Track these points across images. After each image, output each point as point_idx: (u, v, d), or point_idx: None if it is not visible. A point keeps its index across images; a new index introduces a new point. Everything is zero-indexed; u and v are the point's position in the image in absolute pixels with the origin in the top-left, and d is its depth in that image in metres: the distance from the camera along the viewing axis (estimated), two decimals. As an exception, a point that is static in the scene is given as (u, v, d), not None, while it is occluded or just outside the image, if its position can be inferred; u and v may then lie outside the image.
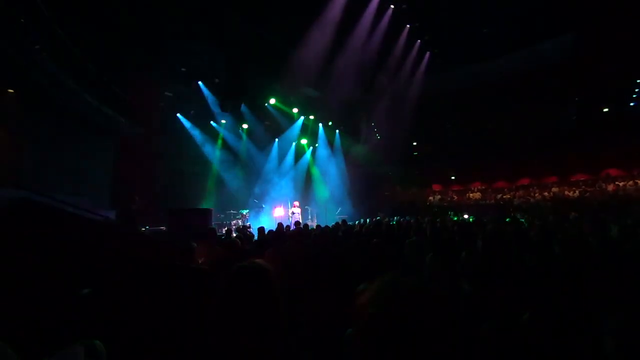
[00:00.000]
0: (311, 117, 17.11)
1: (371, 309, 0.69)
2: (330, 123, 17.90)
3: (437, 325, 0.66)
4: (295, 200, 15.20)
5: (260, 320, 1.26)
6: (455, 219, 6.71)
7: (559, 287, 2.93)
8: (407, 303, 0.67)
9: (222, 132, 15.28)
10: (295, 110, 16.00)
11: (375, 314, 0.68)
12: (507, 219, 7.43)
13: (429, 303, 0.69)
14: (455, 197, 20.83)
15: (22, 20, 6.61)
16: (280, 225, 7.74)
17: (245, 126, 15.90)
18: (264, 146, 16.91)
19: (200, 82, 12.62)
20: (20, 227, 2.53)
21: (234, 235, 7.94)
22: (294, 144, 17.99)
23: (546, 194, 17.73)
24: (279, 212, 15.70)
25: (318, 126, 17.87)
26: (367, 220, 11.40)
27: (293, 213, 14.37)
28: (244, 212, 13.62)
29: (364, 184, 18.97)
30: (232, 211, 13.62)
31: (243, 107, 14.09)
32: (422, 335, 0.64)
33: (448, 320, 0.68)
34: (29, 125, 8.29)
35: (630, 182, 15.47)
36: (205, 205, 12.95)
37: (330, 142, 18.74)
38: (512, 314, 1.93)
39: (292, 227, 11.21)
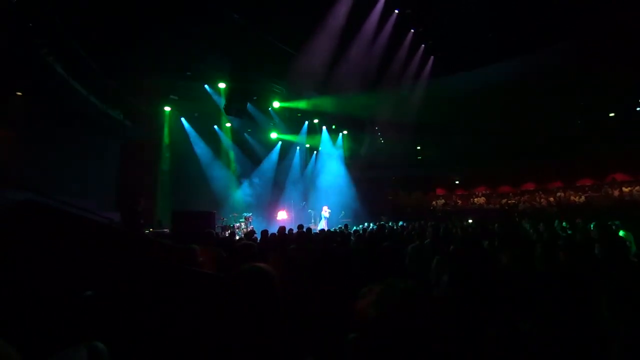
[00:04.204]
0: (315, 120, 17.14)
1: (371, 313, 0.69)
2: (334, 127, 17.91)
3: (436, 330, 0.65)
4: (324, 205, 15.63)
5: (262, 324, 1.26)
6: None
7: (564, 294, 2.90)
8: (406, 307, 0.67)
9: (227, 135, 15.35)
10: (299, 114, 16.05)
11: (376, 318, 0.67)
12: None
13: (428, 307, 0.68)
14: (459, 202, 20.73)
15: (30, 24, 6.71)
16: (282, 228, 7.73)
17: (249, 130, 15.99)
18: (268, 150, 16.96)
19: (206, 86, 12.70)
20: (25, 228, 2.55)
21: (237, 238, 7.96)
22: (297, 147, 18.04)
23: (551, 199, 17.60)
24: (282, 216, 15.74)
25: (322, 129, 17.90)
26: (371, 224, 11.39)
27: (324, 217, 15.10)
28: (247, 215, 13.65)
29: (368, 187, 18.94)
30: (234, 214, 13.66)
31: (248, 111, 14.16)
32: (421, 339, 0.63)
33: (447, 325, 0.67)
34: (36, 127, 8.38)
35: (637, 188, 15.32)
36: (208, 208, 12.99)
37: (334, 146, 18.76)
38: (514, 321, 1.92)
39: (325, 228, 11.38)
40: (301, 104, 14.83)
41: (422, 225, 9.72)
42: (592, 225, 5.71)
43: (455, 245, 3.64)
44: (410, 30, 12.85)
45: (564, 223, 6.80)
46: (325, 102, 14.75)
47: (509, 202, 18.64)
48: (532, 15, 11.11)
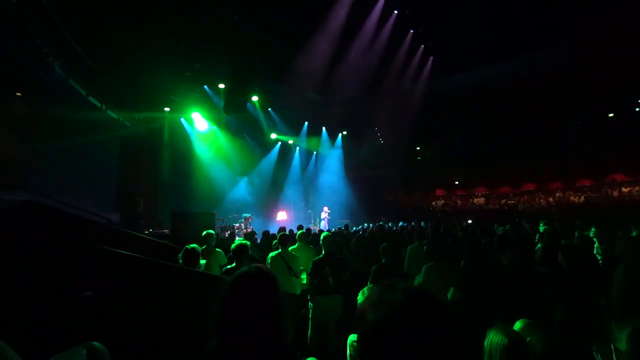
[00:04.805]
0: (315, 120, 17.14)
1: (371, 313, 0.69)
2: (333, 127, 17.90)
3: (437, 332, 0.65)
4: (325, 206, 15.65)
5: (262, 326, 1.26)
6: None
7: (563, 294, 2.90)
8: (407, 308, 0.67)
9: (227, 135, 15.34)
10: (298, 114, 16.06)
11: (375, 318, 0.67)
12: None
13: (430, 308, 0.68)
14: (459, 202, 20.74)
15: (29, 24, 6.70)
16: (282, 229, 7.71)
17: (249, 130, 15.99)
18: (267, 150, 16.96)
19: (205, 86, 12.71)
20: (26, 228, 2.55)
21: (237, 238, 7.95)
22: (297, 148, 18.03)
23: (551, 199, 17.61)
24: (282, 216, 15.74)
25: (322, 130, 17.90)
26: (370, 224, 11.39)
27: (322, 218, 15.12)
28: (247, 215, 13.65)
29: (367, 188, 18.94)
30: (234, 215, 13.65)
31: (247, 111, 14.16)
32: (423, 341, 0.63)
33: (449, 327, 0.67)
34: (36, 128, 8.37)
35: (636, 188, 15.34)
36: (208, 208, 12.99)
37: (334, 146, 18.76)
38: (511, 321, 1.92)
39: (325, 229, 11.38)
40: (300, 105, 14.83)
41: (422, 226, 9.72)
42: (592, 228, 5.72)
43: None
44: (409, 31, 12.86)
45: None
46: (325, 103, 14.75)
47: (509, 202, 18.65)
48: (532, 15, 11.12)
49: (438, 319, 0.66)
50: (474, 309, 3.02)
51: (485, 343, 1.67)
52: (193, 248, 3.74)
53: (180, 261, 3.64)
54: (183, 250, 3.71)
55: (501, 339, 1.61)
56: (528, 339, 1.71)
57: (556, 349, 1.97)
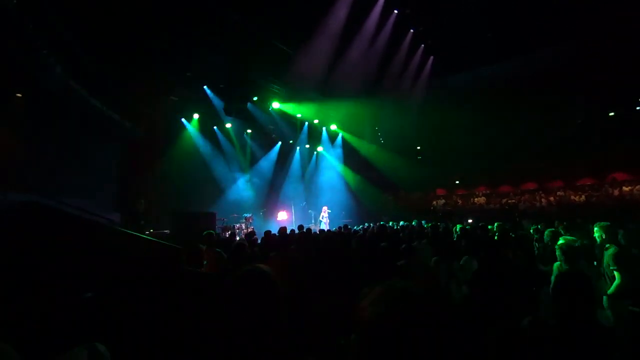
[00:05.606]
0: (315, 120, 17.15)
1: (371, 314, 0.69)
2: (333, 127, 17.90)
3: (436, 330, 0.65)
4: (324, 206, 15.51)
5: (262, 326, 1.26)
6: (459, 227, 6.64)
7: (561, 292, 2.89)
8: (406, 308, 0.67)
9: (227, 136, 15.35)
10: (299, 115, 16.06)
11: (375, 318, 0.67)
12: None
13: (428, 308, 0.68)
14: (460, 202, 20.71)
15: (30, 25, 6.71)
16: (284, 229, 7.72)
17: (249, 130, 16.00)
18: (268, 150, 16.96)
19: (205, 87, 12.71)
20: (27, 229, 2.55)
21: (237, 239, 7.96)
22: (298, 147, 18.03)
23: (552, 198, 17.60)
24: (283, 216, 15.74)
25: (322, 130, 17.89)
26: (371, 224, 11.39)
27: (322, 218, 14.97)
28: (247, 215, 13.66)
29: (367, 187, 18.95)
30: (234, 215, 13.65)
31: (247, 111, 14.16)
32: (421, 340, 0.63)
33: (448, 325, 0.67)
34: (36, 129, 8.38)
35: (637, 187, 15.32)
36: (209, 208, 13.00)
37: (334, 146, 18.75)
38: (513, 319, 1.92)
39: (325, 229, 11.32)
40: (301, 105, 14.84)
41: (422, 225, 9.73)
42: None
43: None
44: (409, 30, 12.85)
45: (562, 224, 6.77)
46: (325, 103, 14.75)
47: (509, 201, 18.62)
48: (531, 15, 11.10)
49: (435, 316, 0.66)
50: (484, 307, 3.02)
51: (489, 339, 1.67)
52: (198, 247, 3.73)
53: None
54: (185, 250, 3.70)
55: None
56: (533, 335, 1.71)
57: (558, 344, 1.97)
